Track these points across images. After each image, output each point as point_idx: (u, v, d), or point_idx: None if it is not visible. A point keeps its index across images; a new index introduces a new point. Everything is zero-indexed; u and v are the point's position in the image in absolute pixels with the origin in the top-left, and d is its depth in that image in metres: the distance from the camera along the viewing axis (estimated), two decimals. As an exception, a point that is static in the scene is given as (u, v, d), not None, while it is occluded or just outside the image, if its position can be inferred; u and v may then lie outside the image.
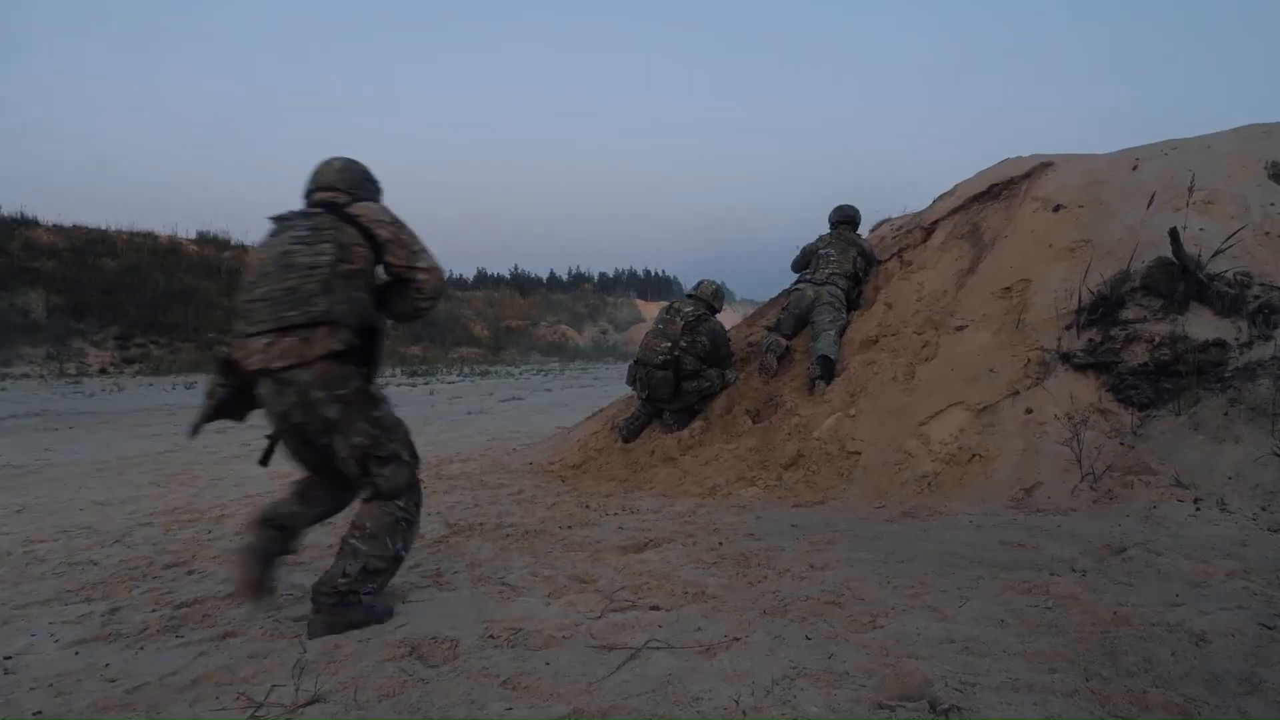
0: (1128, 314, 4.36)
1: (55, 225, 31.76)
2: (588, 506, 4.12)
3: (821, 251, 5.93)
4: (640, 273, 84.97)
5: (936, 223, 6.13)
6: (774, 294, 6.77)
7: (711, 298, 5.75)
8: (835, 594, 2.54)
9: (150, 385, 19.95)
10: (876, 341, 5.25)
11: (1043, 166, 5.94)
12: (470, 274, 63.32)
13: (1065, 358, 4.32)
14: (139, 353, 27.70)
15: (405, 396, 15.12)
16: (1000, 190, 5.97)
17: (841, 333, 5.46)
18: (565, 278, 69.15)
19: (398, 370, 25.65)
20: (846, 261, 5.80)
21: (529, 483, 5.04)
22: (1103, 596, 2.38)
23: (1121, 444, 3.79)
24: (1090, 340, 4.34)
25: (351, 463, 2.60)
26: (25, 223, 30.79)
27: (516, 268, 66.36)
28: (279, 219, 2.71)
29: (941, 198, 6.56)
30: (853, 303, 5.78)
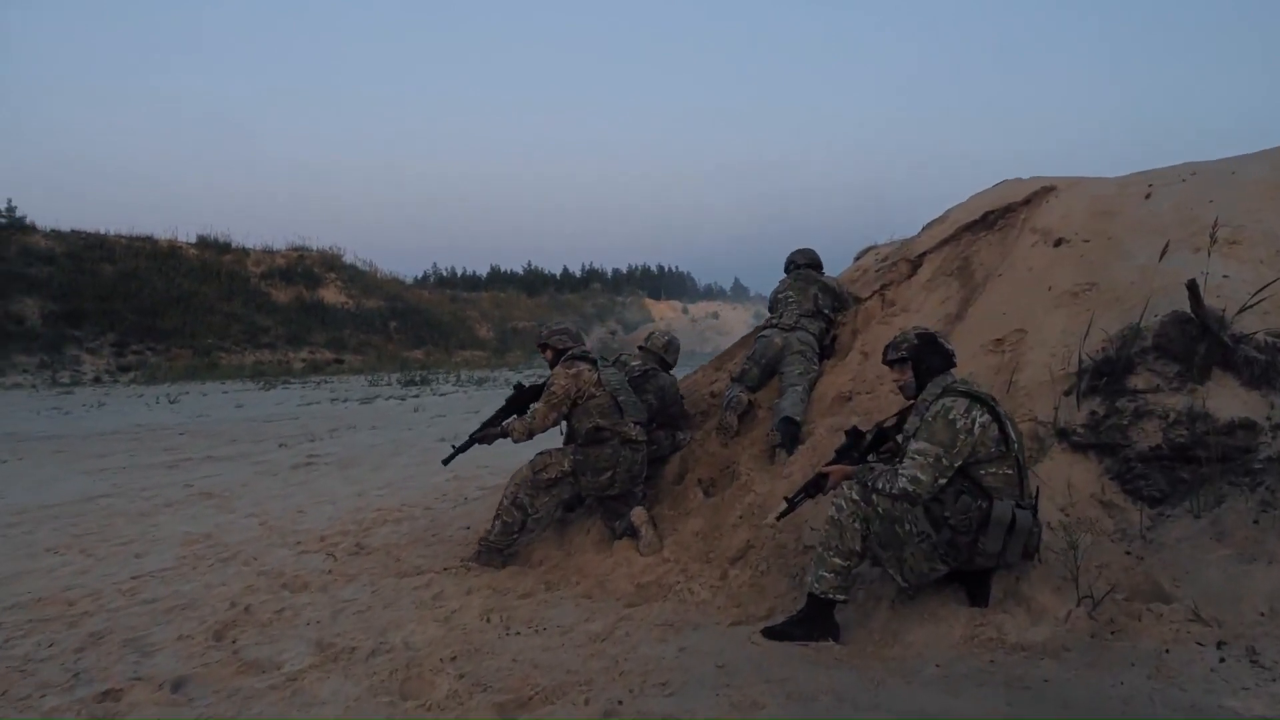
0: (1138, 381, 3.68)
1: (53, 230, 31.43)
2: (488, 620, 3.48)
3: (781, 295, 5.27)
4: (654, 268, 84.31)
5: (924, 255, 5.45)
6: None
7: (663, 350, 5.11)
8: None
9: (139, 397, 19.44)
10: (850, 400, 4.59)
11: (1044, 191, 5.25)
12: (484, 270, 62.89)
13: (1063, 434, 3.65)
14: (135, 360, 27.31)
15: (387, 415, 14.55)
16: (996, 219, 5.29)
17: (812, 386, 4.81)
18: (579, 274, 68.57)
19: (394, 379, 25.10)
20: (807, 300, 5.14)
21: (447, 565, 4.42)
22: None
23: (1128, 553, 3.12)
24: (1093, 413, 3.66)
25: None
26: (22, 228, 30.45)
27: (530, 264, 65.87)
28: None
29: (931, 225, 5.87)
30: (825, 350, 5.12)
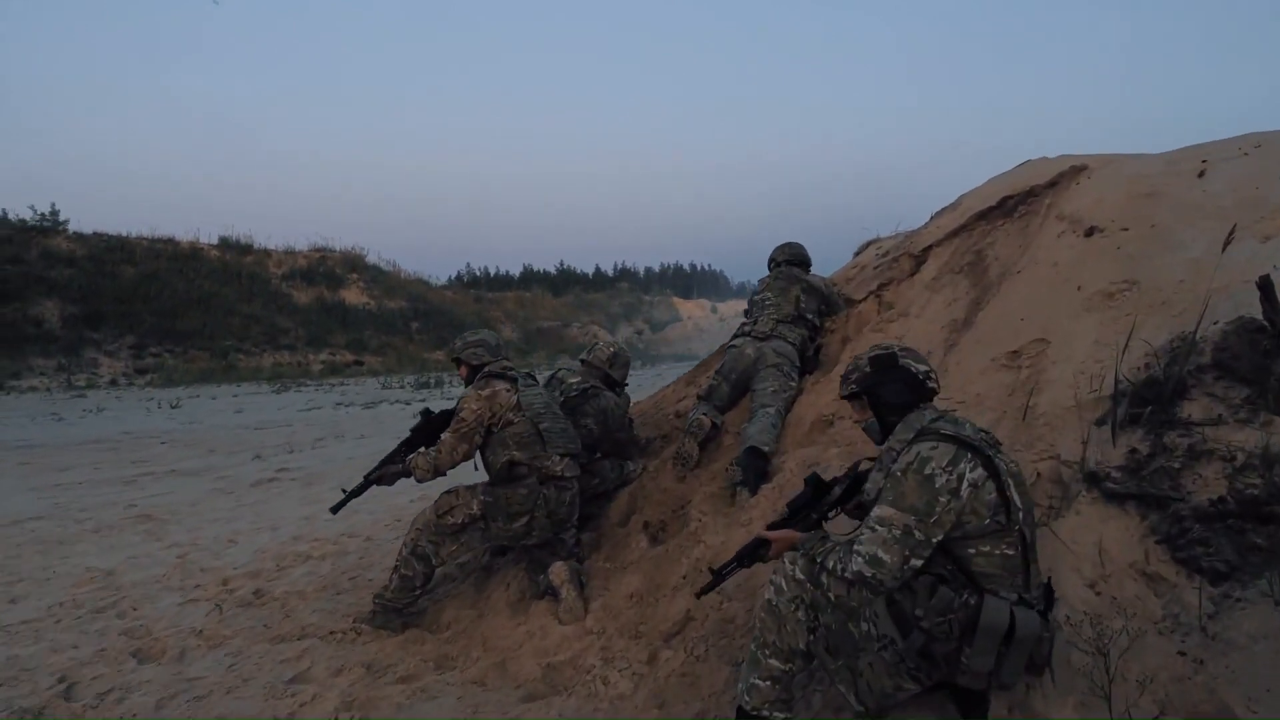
0: (1193, 409, 2.81)
1: (75, 233, 31.41)
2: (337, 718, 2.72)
3: (758, 298, 4.44)
4: (687, 267, 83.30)
5: (929, 249, 4.59)
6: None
7: (607, 365, 4.32)
8: None
9: (148, 401, 19.06)
10: (832, 425, 3.76)
11: (1074, 171, 4.38)
12: (517, 270, 62.39)
13: (1093, 479, 2.79)
14: (153, 362, 27.12)
15: (385, 422, 13.91)
16: (1015, 205, 4.42)
17: (789, 407, 3.99)
18: (611, 272, 67.83)
19: (408, 381, 24.56)
20: (787, 303, 4.30)
21: (337, 627, 3.66)
22: None
23: (1182, 653, 2.27)
24: (1133, 451, 2.80)
25: None
26: (44, 231, 30.43)
27: (562, 263, 65.15)
28: None
29: (941, 213, 5.01)
30: (809, 363, 4.29)
